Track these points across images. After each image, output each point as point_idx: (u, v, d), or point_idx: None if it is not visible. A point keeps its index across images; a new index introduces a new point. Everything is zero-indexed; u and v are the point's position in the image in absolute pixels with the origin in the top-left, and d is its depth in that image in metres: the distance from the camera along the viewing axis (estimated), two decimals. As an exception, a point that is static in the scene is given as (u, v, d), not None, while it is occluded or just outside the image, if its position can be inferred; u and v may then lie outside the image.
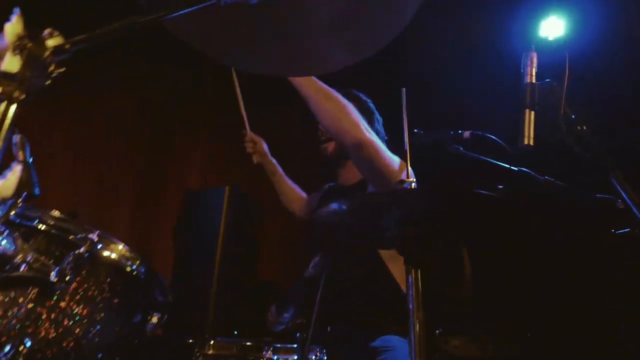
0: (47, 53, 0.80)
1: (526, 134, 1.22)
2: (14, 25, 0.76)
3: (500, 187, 1.75)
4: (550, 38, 3.97)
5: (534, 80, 1.27)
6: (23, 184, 1.44)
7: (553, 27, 3.93)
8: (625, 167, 1.18)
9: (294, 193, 2.71)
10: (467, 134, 2.11)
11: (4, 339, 0.98)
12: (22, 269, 1.00)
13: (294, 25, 1.04)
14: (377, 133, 2.40)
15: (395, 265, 2.03)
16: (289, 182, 2.74)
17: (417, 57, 3.65)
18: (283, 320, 1.46)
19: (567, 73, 1.20)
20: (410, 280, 1.31)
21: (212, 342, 1.42)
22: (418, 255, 1.32)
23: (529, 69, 1.29)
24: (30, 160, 1.50)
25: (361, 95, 2.44)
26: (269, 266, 3.66)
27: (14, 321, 0.99)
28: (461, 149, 2.09)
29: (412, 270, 1.32)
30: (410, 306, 1.29)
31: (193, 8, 0.92)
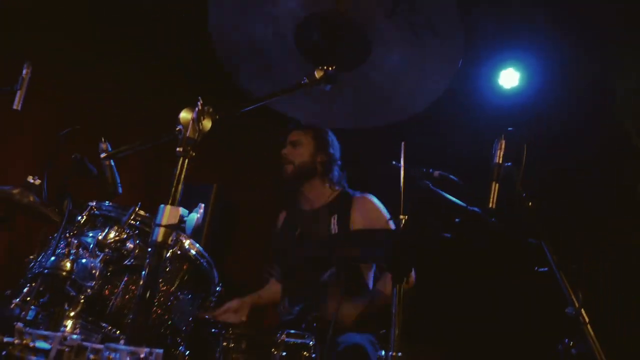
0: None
1: (491, 199, 1.74)
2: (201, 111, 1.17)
3: (457, 220, 2.27)
4: (507, 87, 4.59)
5: (500, 161, 1.78)
6: (109, 184, 1.79)
7: (510, 78, 4.54)
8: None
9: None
10: (436, 173, 2.62)
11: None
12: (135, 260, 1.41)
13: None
14: (331, 160, 2.60)
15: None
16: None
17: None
18: (294, 312, 1.89)
19: (523, 161, 1.72)
20: (395, 291, 1.80)
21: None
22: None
23: (498, 152, 1.80)
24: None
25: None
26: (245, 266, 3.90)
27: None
28: (430, 184, 2.60)
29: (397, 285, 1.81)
30: (393, 310, 1.78)
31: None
